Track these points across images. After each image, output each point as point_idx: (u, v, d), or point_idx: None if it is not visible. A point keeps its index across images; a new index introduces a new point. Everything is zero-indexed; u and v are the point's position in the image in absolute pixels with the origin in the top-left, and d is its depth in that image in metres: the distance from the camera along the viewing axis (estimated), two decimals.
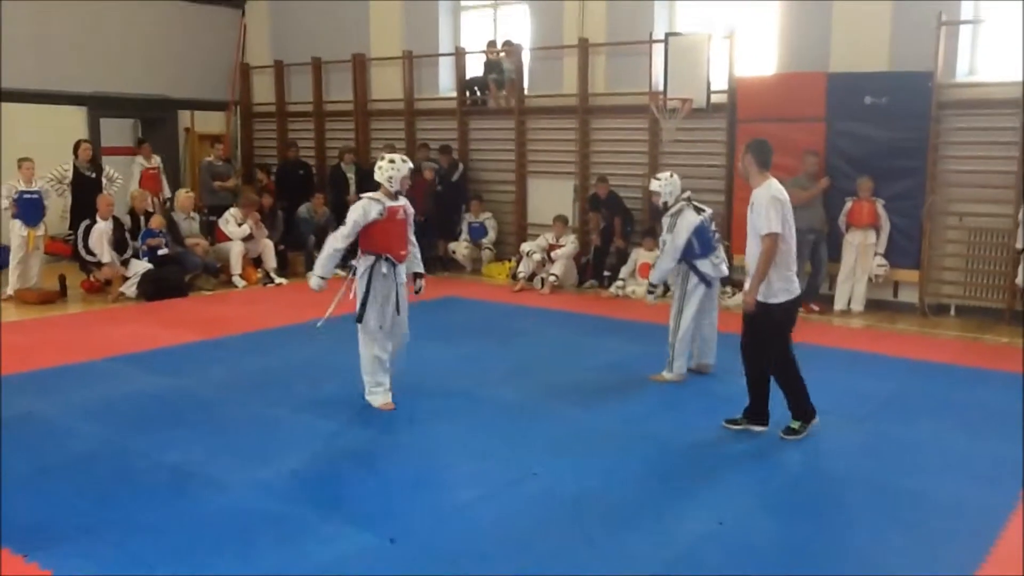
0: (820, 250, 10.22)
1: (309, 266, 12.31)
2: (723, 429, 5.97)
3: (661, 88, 10.94)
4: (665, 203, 7.21)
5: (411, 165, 6.48)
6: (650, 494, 4.98)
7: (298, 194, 13.20)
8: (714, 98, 10.67)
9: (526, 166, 12.87)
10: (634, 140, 11.80)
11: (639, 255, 11.20)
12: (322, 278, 6.37)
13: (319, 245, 11.81)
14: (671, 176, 7.29)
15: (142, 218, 11.16)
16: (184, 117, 15.51)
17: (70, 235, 11.73)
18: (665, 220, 7.21)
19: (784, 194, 5.72)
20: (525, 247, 11.78)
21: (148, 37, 14.74)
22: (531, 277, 11.63)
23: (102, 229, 10.52)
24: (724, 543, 4.38)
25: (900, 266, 10.06)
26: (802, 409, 5.85)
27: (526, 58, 12.65)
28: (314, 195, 12.84)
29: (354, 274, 6.42)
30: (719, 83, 10.78)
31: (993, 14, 9.67)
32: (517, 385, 7.03)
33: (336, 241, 6.38)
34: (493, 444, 5.71)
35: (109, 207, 10.75)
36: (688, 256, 7.07)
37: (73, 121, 13.63)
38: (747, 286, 5.76)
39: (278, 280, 11.87)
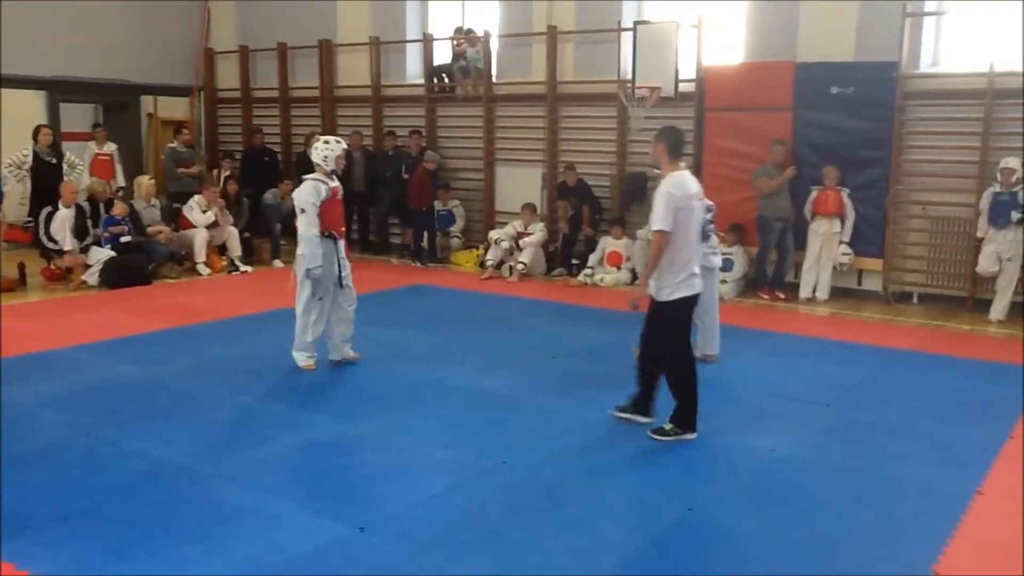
0: (786, 238, 10.33)
1: (275, 253, 12.25)
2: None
3: (630, 76, 10.99)
4: None
5: (345, 146, 6.86)
6: (623, 482, 5.03)
7: (263, 181, 13.06)
8: (682, 87, 10.73)
9: (494, 153, 12.84)
10: (602, 128, 11.82)
11: (607, 243, 11.24)
12: (318, 267, 6.72)
13: (285, 232, 11.82)
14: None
15: (101, 205, 10.98)
16: (147, 102, 15.26)
17: (29, 222, 11.51)
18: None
19: (682, 188, 5.36)
20: (493, 235, 11.76)
21: (110, 20, 14.45)
22: (499, 265, 11.62)
23: (64, 216, 10.33)
24: (695, 529, 4.44)
25: (864, 254, 10.20)
26: (683, 417, 5.54)
27: (494, 45, 12.59)
28: (280, 182, 12.70)
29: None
30: (687, 72, 10.83)
31: (956, 6, 9.82)
32: (489, 373, 7.03)
33: (310, 229, 6.69)
34: (465, 432, 5.70)
35: (73, 194, 10.57)
36: None
37: (32, 105, 13.37)
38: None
39: (243, 268, 11.74)
